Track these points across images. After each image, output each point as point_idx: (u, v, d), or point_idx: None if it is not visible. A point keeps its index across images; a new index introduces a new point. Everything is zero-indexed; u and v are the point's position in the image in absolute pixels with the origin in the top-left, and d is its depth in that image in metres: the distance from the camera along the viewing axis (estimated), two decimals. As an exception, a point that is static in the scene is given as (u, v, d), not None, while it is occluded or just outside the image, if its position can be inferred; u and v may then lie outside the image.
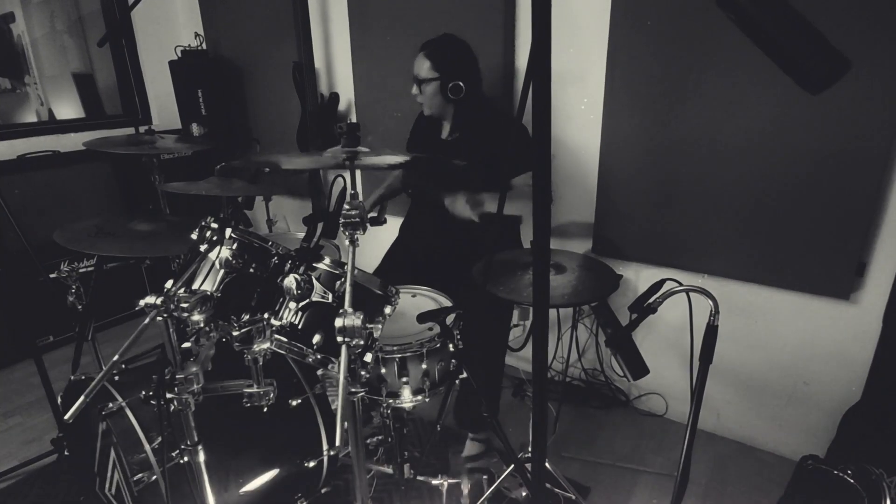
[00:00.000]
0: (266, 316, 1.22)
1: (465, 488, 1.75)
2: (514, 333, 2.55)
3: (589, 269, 1.55)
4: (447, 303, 1.73)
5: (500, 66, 2.29)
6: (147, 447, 1.36)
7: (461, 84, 1.83)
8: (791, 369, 2.03)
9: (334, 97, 2.88)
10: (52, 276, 1.87)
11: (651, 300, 1.31)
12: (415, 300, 1.79)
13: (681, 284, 1.28)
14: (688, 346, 1.34)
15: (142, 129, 2.63)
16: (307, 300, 1.25)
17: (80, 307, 1.89)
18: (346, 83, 2.88)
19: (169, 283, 1.27)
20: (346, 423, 0.87)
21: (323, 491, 1.73)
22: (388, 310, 1.38)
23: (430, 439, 2.05)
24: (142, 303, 1.11)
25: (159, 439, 1.39)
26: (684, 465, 1.38)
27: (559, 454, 2.12)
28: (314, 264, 1.29)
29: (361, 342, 0.95)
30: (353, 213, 1.10)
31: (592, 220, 2.28)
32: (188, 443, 1.20)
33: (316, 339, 1.25)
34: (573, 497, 1.76)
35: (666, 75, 1.95)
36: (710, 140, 1.92)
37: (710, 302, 1.25)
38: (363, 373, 1.32)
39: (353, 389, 1.05)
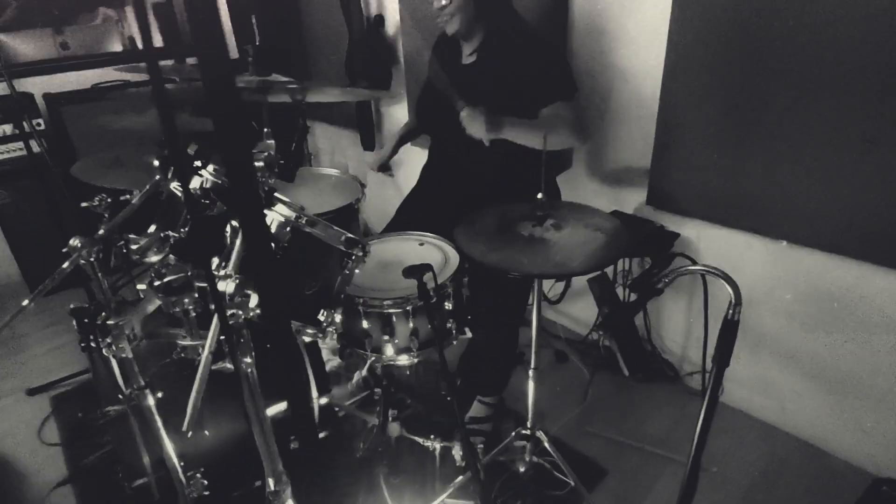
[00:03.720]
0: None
1: (458, 454, 1.63)
2: (557, 288, 2.30)
3: (599, 229, 1.25)
4: (453, 254, 1.54)
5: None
6: (121, 383, 1.39)
7: None
8: (882, 365, 1.61)
9: (379, 20, 2.65)
10: (83, 205, 1.94)
11: (656, 279, 1.03)
12: (421, 249, 1.62)
13: (695, 263, 0.99)
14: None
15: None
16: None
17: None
18: (392, 4, 2.63)
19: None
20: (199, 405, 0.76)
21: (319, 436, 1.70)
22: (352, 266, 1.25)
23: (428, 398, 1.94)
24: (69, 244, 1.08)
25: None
26: (692, 468, 1.16)
27: (582, 428, 1.91)
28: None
29: (240, 313, 0.81)
30: (261, 155, 0.94)
31: (648, 166, 1.91)
32: (135, 386, 1.19)
33: None
34: (572, 484, 1.57)
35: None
36: (805, 59, 1.47)
37: (731, 289, 0.94)
38: (331, 329, 1.23)
39: (247, 361, 0.92)
